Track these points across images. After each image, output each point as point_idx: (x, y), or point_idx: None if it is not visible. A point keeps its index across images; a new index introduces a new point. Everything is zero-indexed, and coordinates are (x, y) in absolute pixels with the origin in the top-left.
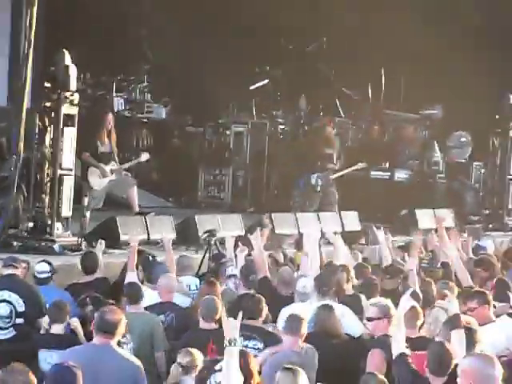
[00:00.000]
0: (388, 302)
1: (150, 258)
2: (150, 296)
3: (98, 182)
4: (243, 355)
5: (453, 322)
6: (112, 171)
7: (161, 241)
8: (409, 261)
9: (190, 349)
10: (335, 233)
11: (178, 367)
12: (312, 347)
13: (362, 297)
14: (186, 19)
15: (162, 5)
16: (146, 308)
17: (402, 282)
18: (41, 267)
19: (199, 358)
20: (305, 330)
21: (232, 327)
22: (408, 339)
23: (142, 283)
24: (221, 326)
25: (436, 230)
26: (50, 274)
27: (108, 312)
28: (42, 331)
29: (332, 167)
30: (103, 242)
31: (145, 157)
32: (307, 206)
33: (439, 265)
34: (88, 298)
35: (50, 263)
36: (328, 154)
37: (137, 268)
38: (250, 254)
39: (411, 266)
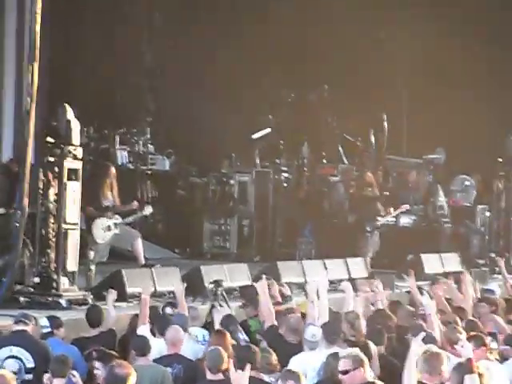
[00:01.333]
0: (358, 351)
1: (160, 310)
2: (161, 347)
3: (102, 235)
4: None
5: (466, 367)
6: (116, 225)
7: (168, 293)
8: (427, 305)
9: None
10: (341, 280)
11: None
12: None
13: (371, 344)
14: (186, 71)
15: (164, 57)
16: (153, 360)
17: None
18: (42, 322)
19: None
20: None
21: (240, 380)
22: None
23: (155, 336)
24: (227, 377)
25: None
26: (50, 329)
27: (117, 366)
28: None
29: (377, 212)
30: (114, 291)
31: (148, 210)
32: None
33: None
34: (94, 352)
35: (51, 318)
36: (372, 198)
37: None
38: (244, 306)
39: (429, 311)
